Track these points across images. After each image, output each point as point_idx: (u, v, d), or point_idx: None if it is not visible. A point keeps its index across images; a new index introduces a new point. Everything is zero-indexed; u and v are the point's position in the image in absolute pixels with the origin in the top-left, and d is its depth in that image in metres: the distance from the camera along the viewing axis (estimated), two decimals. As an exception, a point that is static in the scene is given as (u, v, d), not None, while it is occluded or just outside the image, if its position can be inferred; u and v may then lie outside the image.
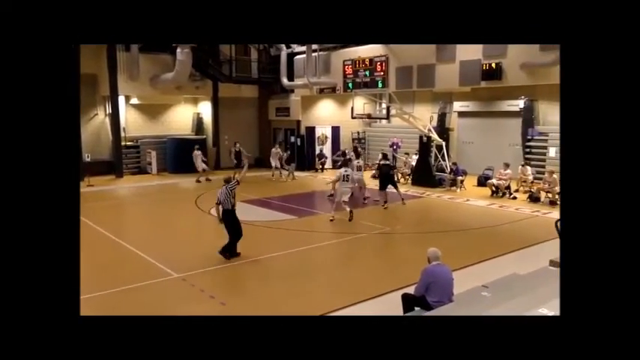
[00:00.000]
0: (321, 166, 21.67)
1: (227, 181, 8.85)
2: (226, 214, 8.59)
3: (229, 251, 8.61)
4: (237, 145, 19.00)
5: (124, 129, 20.36)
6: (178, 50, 18.97)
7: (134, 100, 21.67)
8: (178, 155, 18.26)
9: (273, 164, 19.19)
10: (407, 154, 18.62)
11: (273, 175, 19.15)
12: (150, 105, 22.18)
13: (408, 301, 5.66)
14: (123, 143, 20.24)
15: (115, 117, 19.66)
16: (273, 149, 19.73)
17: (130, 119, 21.62)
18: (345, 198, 11.72)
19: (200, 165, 18.15)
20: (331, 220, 11.58)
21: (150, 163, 20.72)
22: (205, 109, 23.39)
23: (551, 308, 3.66)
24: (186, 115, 23.72)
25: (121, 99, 20.32)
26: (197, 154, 18.18)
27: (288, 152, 19.95)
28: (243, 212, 13.16)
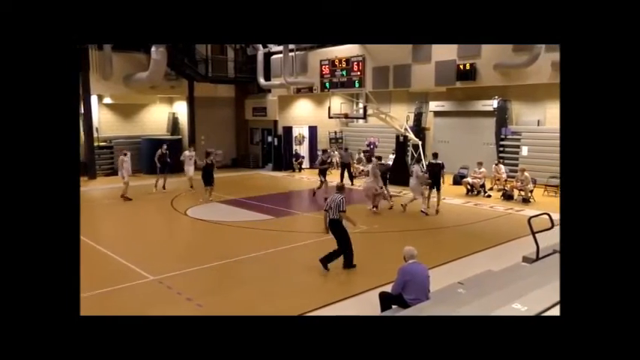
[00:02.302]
0: (299, 167, 21.66)
1: (340, 189, 8.31)
2: (333, 223, 8.05)
3: (347, 263, 8.10)
4: (165, 147, 16.15)
5: (96, 129, 19.95)
6: (153, 49, 18.67)
7: (107, 100, 21.24)
8: (153, 156, 17.90)
9: (186, 171, 15.94)
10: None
11: (190, 188, 15.75)
12: (123, 105, 21.76)
13: (385, 300, 5.72)
14: (95, 144, 19.83)
15: (87, 117, 19.21)
16: (187, 152, 16.35)
17: (103, 119, 21.19)
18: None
19: (125, 175, 14.53)
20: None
21: (124, 164, 20.31)
22: (181, 108, 23.09)
23: (524, 303, 3.74)
24: (162, 115, 23.37)
25: (94, 98, 19.92)
26: (124, 160, 14.61)
27: (216, 153, 15.71)
28: (220, 213, 13.10)
